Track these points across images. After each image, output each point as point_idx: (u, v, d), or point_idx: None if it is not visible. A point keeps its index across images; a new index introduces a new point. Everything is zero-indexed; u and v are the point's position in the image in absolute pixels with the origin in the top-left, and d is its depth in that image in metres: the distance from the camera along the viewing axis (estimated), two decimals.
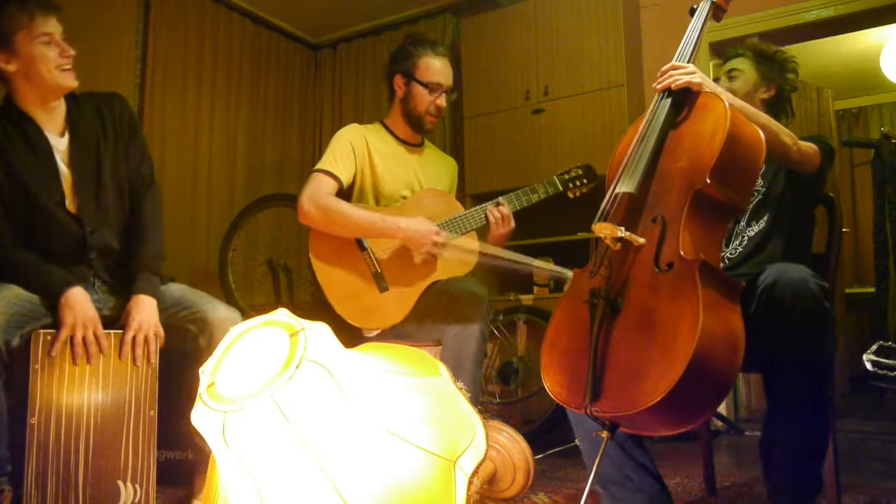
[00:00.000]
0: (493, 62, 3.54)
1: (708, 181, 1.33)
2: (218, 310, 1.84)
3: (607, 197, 1.45)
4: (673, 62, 1.56)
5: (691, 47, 1.61)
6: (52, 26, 1.71)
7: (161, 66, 3.62)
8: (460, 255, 2.20)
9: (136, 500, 1.71)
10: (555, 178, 2.26)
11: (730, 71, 1.90)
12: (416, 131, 2.32)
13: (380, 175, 2.23)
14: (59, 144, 1.82)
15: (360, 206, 2.17)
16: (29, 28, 1.68)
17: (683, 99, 1.51)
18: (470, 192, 3.45)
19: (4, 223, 1.75)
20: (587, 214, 3.34)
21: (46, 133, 1.79)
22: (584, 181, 2.27)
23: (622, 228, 1.35)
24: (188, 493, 1.87)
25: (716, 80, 1.94)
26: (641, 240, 1.35)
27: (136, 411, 1.75)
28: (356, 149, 2.21)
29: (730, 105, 1.40)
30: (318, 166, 2.18)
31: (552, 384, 1.37)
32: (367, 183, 2.23)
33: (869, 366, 2.24)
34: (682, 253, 1.28)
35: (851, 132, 5.87)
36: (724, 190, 1.36)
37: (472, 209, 2.20)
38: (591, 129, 3.21)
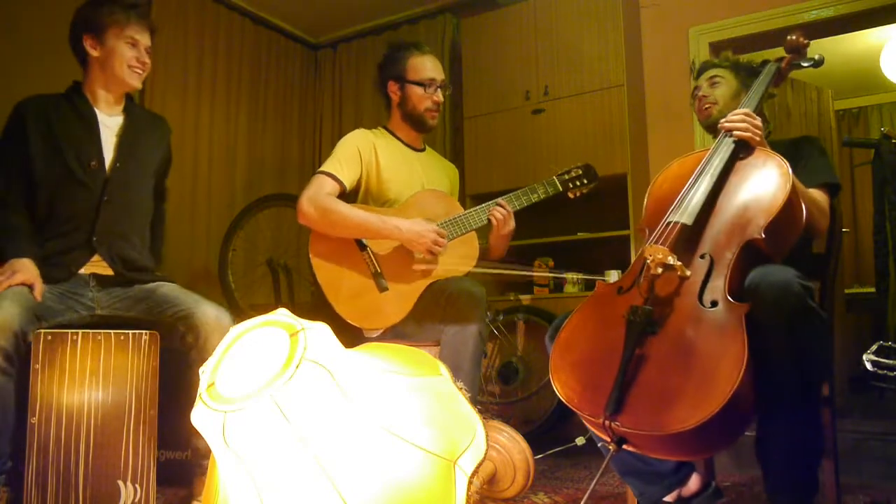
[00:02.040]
0: (493, 62, 3.53)
1: (762, 235, 1.40)
2: (205, 307, 1.84)
3: (661, 225, 1.51)
4: (744, 110, 1.66)
5: (756, 101, 1.74)
6: (140, 35, 2.00)
7: (161, 66, 3.61)
8: (460, 254, 2.20)
9: (136, 500, 1.71)
10: (555, 178, 2.27)
11: (712, 77, 1.95)
12: (420, 131, 2.34)
13: (386, 179, 2.24)
14: (109, 122, 2.02)
15: (359, 207, 2.17)
16: (121, 27, 1.96)
17: (745, 147, 1.61)
18: (470, 193, 3.45)
19: (19, 187, 1.89)
20: (587, 215, 3.33)
21: (97, 109, 2.00)
22: (584, 181, 2.28)
23: (674, 256, 1.39)
24: (188, 494, 1.87)
25: (696, 88, 1.97)
26: (688, 272, 1.40)
27: (136, 411, 1.75)
28: (363, 154, 2.22)
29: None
30: (321, 168, 2.18)
31: (563, 387, 1.38)
32: (372, 186, 2.24)
33: (869, 366, 2.24)
34: (727, 296, 1.33)
35: (851, 132, 5.86)
36: (771, 244, 1.43)
37: (472, 209, 2.20)
38: (591, 129, 3.21)
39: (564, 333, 1.49)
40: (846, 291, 4.73)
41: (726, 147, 1.60)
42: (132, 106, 2.11)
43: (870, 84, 5.47)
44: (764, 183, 1.51)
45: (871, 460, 2.60)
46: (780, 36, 3.09)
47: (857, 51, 4.80)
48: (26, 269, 1.74)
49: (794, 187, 1.47)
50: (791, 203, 1.46)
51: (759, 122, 1.63)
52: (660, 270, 1.39)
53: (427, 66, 2.29)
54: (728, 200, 1.52)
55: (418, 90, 2.27)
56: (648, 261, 1.41)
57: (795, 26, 3.08)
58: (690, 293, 1.38)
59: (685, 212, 1.49)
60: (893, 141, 3.64)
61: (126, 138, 2.02)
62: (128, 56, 1.97)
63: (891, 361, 2.19)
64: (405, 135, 2.35)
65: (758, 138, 1.60)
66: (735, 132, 1.61)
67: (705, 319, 1.32)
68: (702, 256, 1.44)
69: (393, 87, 2.32)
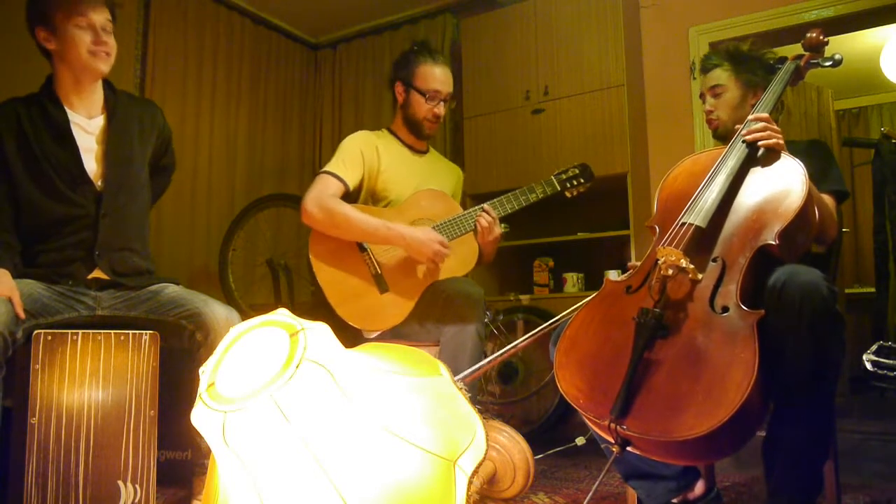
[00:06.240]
0: (493, 62, 3.53)
1: (777, 242, 1.38)
2: (214, 306, 1.85)
3: (675, 225, 1.48)
4: (759, 114, 1.61)
5: (773, 102, 1.71)
6: (93, 14, 1.79)
7: (161, 66, 3.62)
8: (460, 255, 2.21)
9: (136, 500, 1.71)
10: (552, 177, 2.28)
11: (713, 87, 1.90)
12: (417, 137, 2.34)
13: (388, 180, 2.24)
14: (90, 125, 1.89)
15: (363, 209, 2.17)
16: (67, 10, 1.76)
17: (761, 151, 1.57)
18: (470, 193, 3.45)
19: (6, 202, 1.81)
20: (587, 215, 3.33)
21: (75, 113, 1.86)
22: (581, 180, 2.29)
23: (687, 259, 1.36)
24: (188, 493, 1.87)
25: (701, 96, 1.94)
26: (700, 276, 1.37)
27: (136, 411, 1.75)
28: (365, 155, 2.22)
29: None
30: (325, 168, 2.18)
31: (568, 386, 1.36)
32: (374, 187, 2.24)
33: (869, 366, 2.24)
34: (739, 303, 1.31)
35: (851, 132, 5.86)
36: (784, 249, 1.41)
37: (466, 212, 2.21)
38: (591, 129, 3.21)
39: (570, 330, 1.47)
40: (846, 291, 4.73)
41: (742, 147, 1.56)
42: (113, 98, 1.96)
43: (870, 84, 5.46)
44: (780, 186, 1.47)
45: (871, 460, 2.60)
46: (780, 36, 3.12)
47: (857, 51, 4.80)
48: (1, 283, 1.68)
49: (809, 191, 1.44)
50: (806, 207, 1.43)
51: (777, 127, 1.58)
52: (671, 272, 1.36)
53: (435, 77, 2.27)
54: (743, 203, 1.48)
55: (420, 99, 2.26)
56: (660, 262, 1.37)
57: (796, 26, 3.09)
58: (701, 297, 1.35)
59: (699, 214, 1.46)
60: (893, 141, 3.65)
61: (112, 145, 1.89)
62: (84, 40, 1.78)
63: (891, 361, 2.18)
64: (407, 137, 2.35)
65: (783, 143, 1.56)
66: (759, 143, 1.56)
67: (716, 325, 1.30)
68: (713, 260, 1.41)
69: (399, 89, 2.32)
